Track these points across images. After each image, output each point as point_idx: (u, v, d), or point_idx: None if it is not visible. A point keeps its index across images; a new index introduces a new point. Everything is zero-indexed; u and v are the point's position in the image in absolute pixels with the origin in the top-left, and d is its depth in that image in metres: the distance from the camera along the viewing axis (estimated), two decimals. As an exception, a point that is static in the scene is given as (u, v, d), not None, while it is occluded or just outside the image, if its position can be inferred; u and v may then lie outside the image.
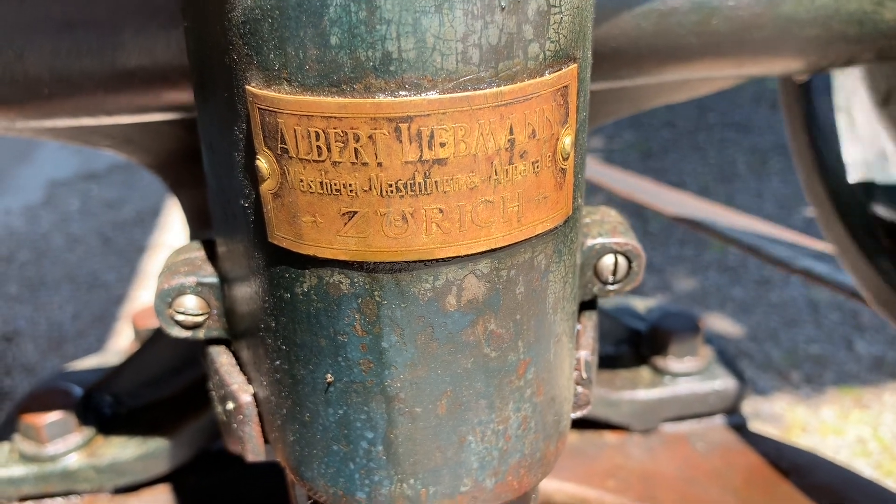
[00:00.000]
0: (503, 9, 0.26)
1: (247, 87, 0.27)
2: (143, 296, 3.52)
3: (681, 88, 0.68)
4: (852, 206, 0.82)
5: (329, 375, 0.31)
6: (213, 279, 0.37)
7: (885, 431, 2.64)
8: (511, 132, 0.26)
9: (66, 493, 0.78)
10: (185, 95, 0.52)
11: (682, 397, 0.87)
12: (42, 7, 0.47)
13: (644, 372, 0.88)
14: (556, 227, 0.31)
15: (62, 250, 3.99)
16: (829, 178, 0.80)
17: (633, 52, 0.53)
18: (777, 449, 0.86)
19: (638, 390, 0.86)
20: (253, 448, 0.37)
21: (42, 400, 0.78)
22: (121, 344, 3.20)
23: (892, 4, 0.55)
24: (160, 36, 0.48)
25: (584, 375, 0.38)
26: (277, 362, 0.32)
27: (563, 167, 0.29)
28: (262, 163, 0.27)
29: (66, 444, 0.77)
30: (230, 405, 0.36)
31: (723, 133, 5.32)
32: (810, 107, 0.79)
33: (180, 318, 0.37)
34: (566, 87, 0.28)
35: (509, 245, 0.29)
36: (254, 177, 0.28)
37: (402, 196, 0.26)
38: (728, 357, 0.89)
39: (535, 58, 0.28)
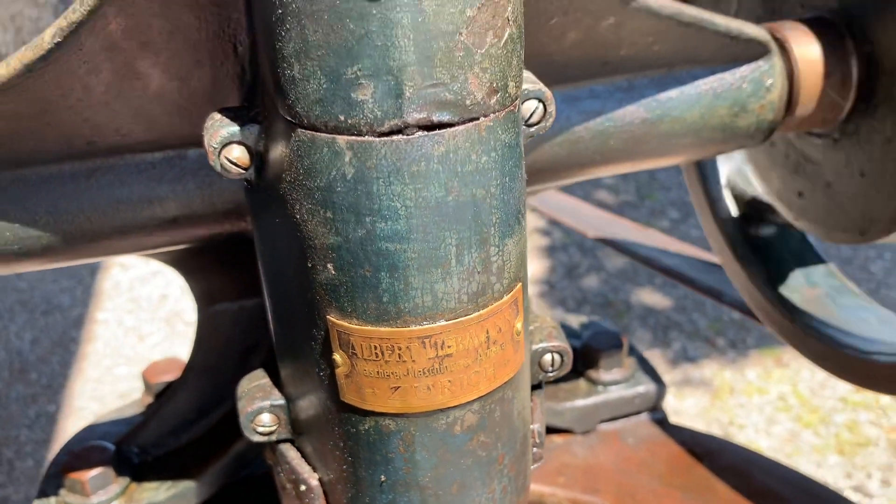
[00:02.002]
0: (479, 272, 0.42)
1: (327, 317, 0.43)
2: (100, 317, 3.58)
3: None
4: (738, 236, 1.01)
5: (383, 476, 0.47)
6: (282, 401, 0.53)
7: (804, 387, 2.91)
8: (487, 333, 0.42)
9: (104, 536, 0.93)
10: (211, 231, 0.67)
11: (613, 402, 1.05)
12: (105, 181, 0.62)
13: (581, 383, 1.06)
14: (516, 373, 0.48)
15: (11, 276, 4.00)
16: (721, 221, 0.99)
17: (552, 170, 0.70)
18: (692, 437, 1.05)
19: (577, 400, 1.04)
20: None
21: (82, 457, 0.92)
22: (84, 367, 3.26)
23: (744, 115, 0.74)
24: (195, 193, 0.63)
25: (538, 440, 0.55)
26: (344, 466, 0.48)
27: (518, 340, 0.46)
28: (338, 357, 0.43)
29: (107, 494, 0.91)
30: (302, 487, 0.52)
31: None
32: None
33: (260, 429, 0.52)
34: (517, 298, 0.45)
35: (490, 392, 0.45)
36: (329, 362, 0.44)
37: (427, 376, 0.42)
38: (648, 364, 1.08)
39: (499, 290, 0.44)
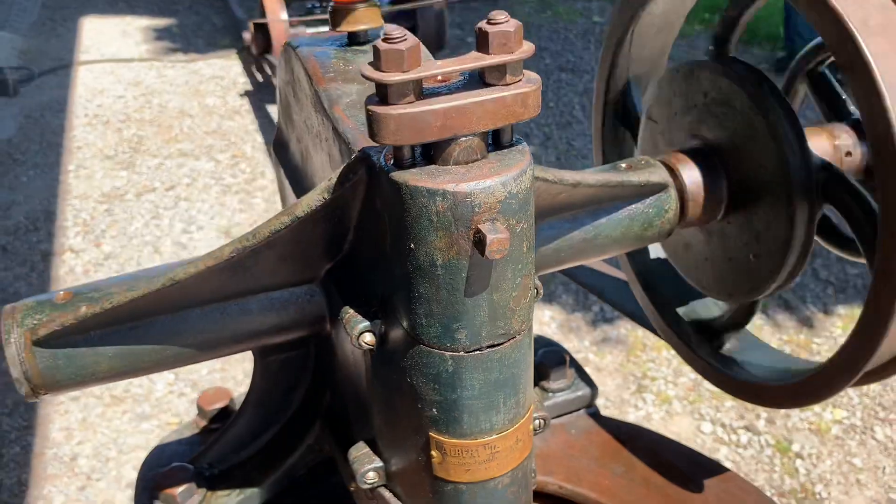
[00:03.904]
0: (514, 408, 0.74)
1: (429, 432, 0.74)
2: (60, 304, 3.75)
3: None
4: (648, 279, 1.36)
5: None
6: (381, 464, 0.84)
7: (704, 342, 3.38)
8: (517, 437, 0.74)
9: (193, 533, 1.23)
10: (299, 334, 0.98)
11: (560, 403, 1.40)
12: (233, 312, 0.92)
13: (536, 392, 1.41)
14: (531, 451, 0.80)
15: (-37, 266, 4.09)
16: (636, 268, 1.34)
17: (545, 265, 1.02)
18: (616, 426, 1.41)
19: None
20: None
21: (170, 476, 1.22)
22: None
23: (650, 228, 1.07)
24: (292, 314, 0.93)
25: (533, 476, 0.88)
26: None
27: (531, 434, 0.78)
28: (435, 454, 0.74)
29: (191, 503, 1.22)
30: None
31: (558, 76, 5.91)
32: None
33: (368, 482, 0.84)
34: (531, 413, 0.77)
35: (517, 465, 0.78)
36: (428, 455, 0.75)
37: (485, 463, 0.73)
38: (584, 374, 1.44)
39: (523, 414, 0.76)
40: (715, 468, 1.35)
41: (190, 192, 4.62)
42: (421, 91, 0.60)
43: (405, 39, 0.59)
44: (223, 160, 5.01)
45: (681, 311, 1.31)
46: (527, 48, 0.62)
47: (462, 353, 0.70)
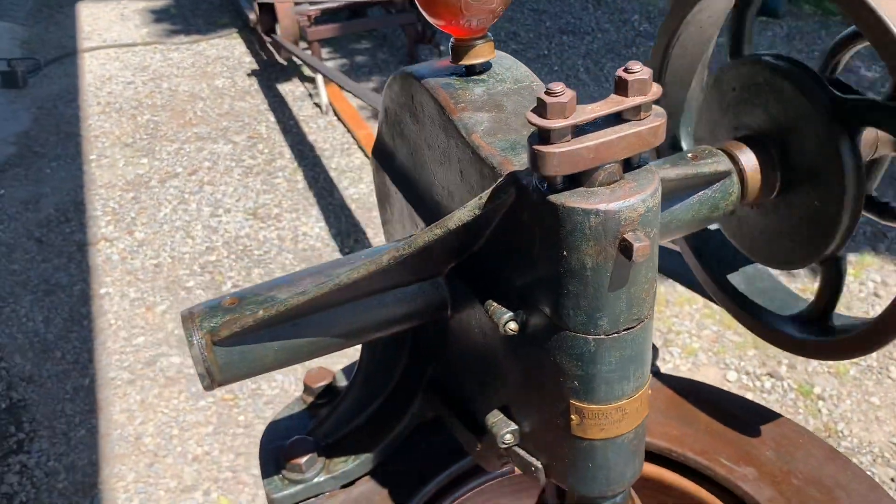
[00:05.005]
0: (640, 378, 0.89)
1: (570, 400, 0.89)
2: (103, 292, 3.89)
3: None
4: (699, 245, 1.51)
5: (590, 464, 0.94)
6: (515, 427, 1.00)
7: (724, 295, 3.56)
8: (640, 401, 0.91)
9: (316, 495, 1.40)
10: (424, 320, 1.13)
11: (625, 365, 1.56)
12: (373, 305, 1.07)
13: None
14: (647, 411, 0.96)
15: (0, 260, 4.21)
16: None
17: None
18: (677, 382, 1.58)
19: (602, 367, 1.55)
20: (542, 480, 1.01)
21: (294, 447, 1.38)
22: (104, 341, 3.60)
23: (716, 210, 1.22)
24: (420, 304, 1.09)
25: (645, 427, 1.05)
26: (566, 460, 0.95)
27: (649, 396, 0.94)
28: (574, 417, 0.89)
29: (314, 470, 1.38)
30: (532, 469, 1.00)
31: (560, 38, 6.00)
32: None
33: (505, 442, 1.00)
34: (649, 382, 0.93)
35: (639, 423, 0.93)
36: (567, 419, 0.91)
37: (616, 423, 0.89)
38: (645, 337, 1.59)
39: (645, 382, 0.91)
40: (768, 414, 1.52)
41: (212, 175, 4.75)
42: (575, 130, 0.75)
43: (564, 93, 0.73)
44: (240, 142, 5.12)
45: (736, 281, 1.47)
46: (656, 90, 0.77)
47: (603, 336, 0.85)
